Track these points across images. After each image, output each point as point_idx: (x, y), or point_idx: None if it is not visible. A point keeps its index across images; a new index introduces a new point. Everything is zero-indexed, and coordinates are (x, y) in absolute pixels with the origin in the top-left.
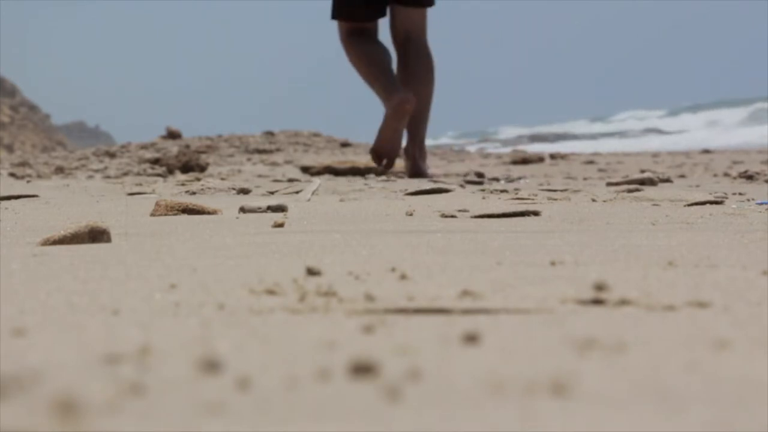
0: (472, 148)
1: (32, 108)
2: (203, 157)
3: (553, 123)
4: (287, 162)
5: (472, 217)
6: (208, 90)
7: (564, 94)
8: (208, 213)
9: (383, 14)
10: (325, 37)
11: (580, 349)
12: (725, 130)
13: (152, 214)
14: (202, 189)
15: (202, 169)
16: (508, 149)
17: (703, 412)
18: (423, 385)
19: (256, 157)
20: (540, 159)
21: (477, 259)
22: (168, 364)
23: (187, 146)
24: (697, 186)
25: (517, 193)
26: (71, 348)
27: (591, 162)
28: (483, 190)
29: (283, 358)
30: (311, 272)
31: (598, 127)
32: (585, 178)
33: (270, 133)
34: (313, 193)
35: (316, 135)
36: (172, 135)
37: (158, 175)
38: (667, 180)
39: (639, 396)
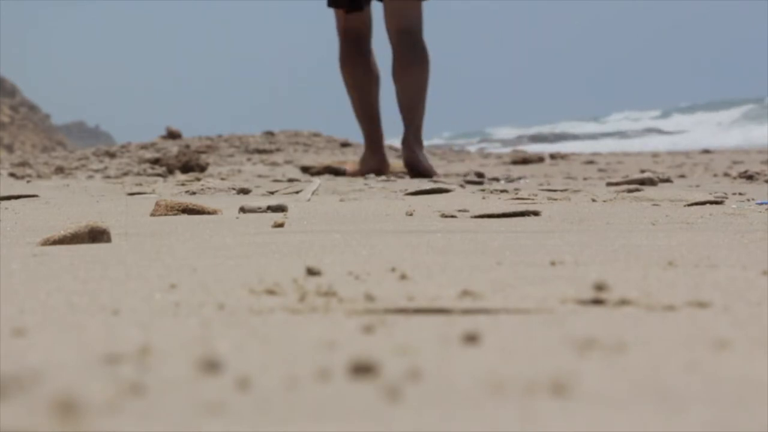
0: (472, 149)
1: (32, 108)
2: (203, 157)
3: (546, 124)
4: (287, 162)
5: (472, 217)
6: (208, 90)
7: (556, 95)
8: (208, 213)
9: (363, 5)
10: (325, 37)
11: (580, 349)
12: (721, 130)
13: (152, 214)
14: (202, 189)
15: (202, 169)
16: (508, 149)
17: (703, 412)
18: (423, 385)
19: (256, 157)
20: (540, 159)
21: (477, 259)
22: (168, 364)
23: (187, 146)
24: (697, 186)
25: (517, 193)
26: (71, 348)
27: (591, 162)
28: (483, 190)
29: (283, 358)
30: (311, 272)
31: (592, 128)
32: (585, 178)
33: (270, 133)
34: (313, 193)
35: (316, 135)
36: (172, 135)
37: (158, 175)
38: (667, 180)
39: (639, 396)
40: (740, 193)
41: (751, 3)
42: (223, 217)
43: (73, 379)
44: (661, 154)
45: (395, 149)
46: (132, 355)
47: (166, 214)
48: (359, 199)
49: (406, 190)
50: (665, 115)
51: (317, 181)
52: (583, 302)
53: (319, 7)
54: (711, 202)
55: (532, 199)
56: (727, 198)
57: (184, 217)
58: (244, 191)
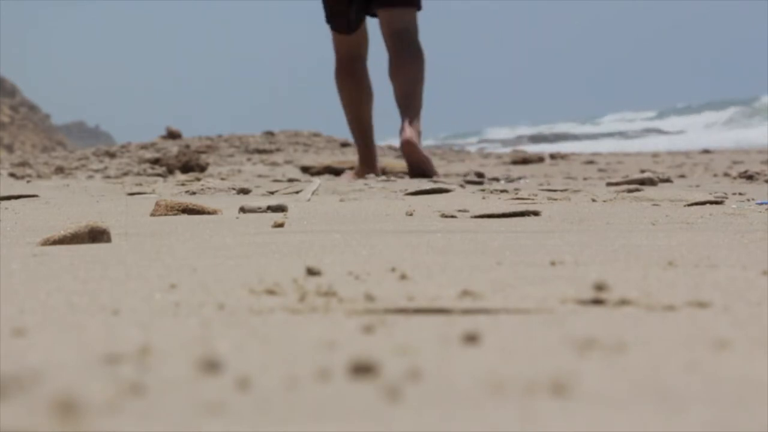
0: (471, 149)
1: (32, 108)
2: (203, 157)
3: (540, 125)
4: (287, 162)
5: (472, 217)
6: (208, 90)
7: (552, 96)
8: (208, 213)
9: (356, 27)
10: (325, 37)
11: (580, 349)
12: (718, 131)
13: (152, 214)
14: (202, 189)
15: (202, 169)
16: (508, 149)
17: (703, 412)
18: (423, 385)
19: (256, 157)
20: (540, 159)
21: (477, 259)
22: (168, 364)
23: (187, 146)
24: (697, 186)
25: (517, 193)
26: (71, 348)
27: (591, 162)
28: (483, 190)
29: (283, 358)
30: (311, 272)
31: (587, 129)
32: (585, 178)
33: (270, 133)
34: (313, 193)
35: (316, 135)
36: (172, 135)
37: (158, 175)
38: (667, 180)
39: (639, 396)
40: (740, 193)
41: (745, 4)
42: (223, 217)
43: (73, 379)
44: (661, 154)
45: (395, 149)
46: (132, 355)
47: (166, 214)
48: (359, 199)
49: (406, 190)
50: (661, 116)
51: (317, 181)
52: (583, 302)
53: (320, 7)
54: (711, 202)
55: (532, 199)
56: (727, 198)
57: (184, 217)
58: (244, 191)
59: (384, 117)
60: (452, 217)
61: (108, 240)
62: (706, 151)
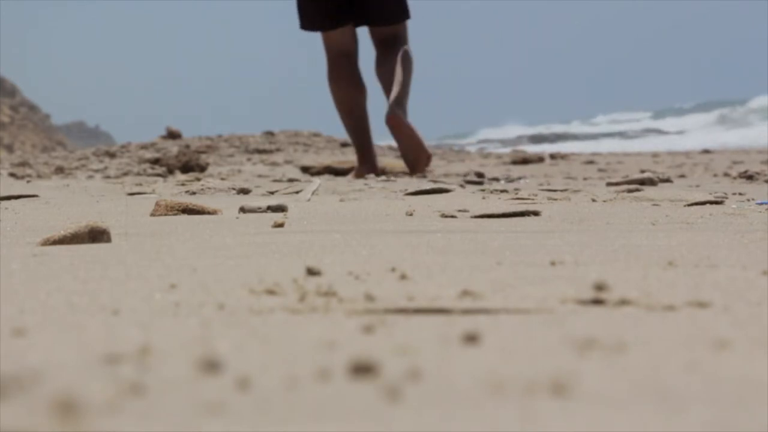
0: (471, 149)
1: (32, 108)
2: (203, 157)
3: (536, 125)
4: (287, 162)
5: (472, 217)
6: (208, 90)
7: (549, 97)
8: (208, 213)
9: (340, 22)
10: None
11: (580, 349)
12: (717, 131)
13: (152, 214)
14: (202, 189)
15: (202, 169)
16: (508, 149)
17: (703, 412)
18: (423, 385)
19: (256, 157)
20: (540, 159)
21: (477, 259)
22: (168, 364)
23: (187, 146)
24: (697, 186)
25: (517, 193)
26: (71, 348)
27: (591, 162)
28: (483, 190)
29: (283, 358)
30: (311, 272)
31: (588, 129)
32: (585, 178)
33: (270, 133)
34: (313, 193)
35: (316, 135)
36: (172, 135)
37: (158, 175)
38: (667, 180)
39: (639, 396)
40: (740, 193)
41: (740, 5)
42: (223, 217)
43: (73, 379)
44: (661, 154)
45: (394, 149)
46: (132, 355)
47: (166, 214)
48: (359, 199)
49: (406, 190)
50: (657, 116)
51: (317, 181)
52: (583, 302)
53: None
54: (711, 202)
55: (532, 199)
56: (727, 198)
57: (184, 217)
58: (244, 191)
59: (382, 117)
60: (452, 217)
61: (108, 240)
62: (706, 151)
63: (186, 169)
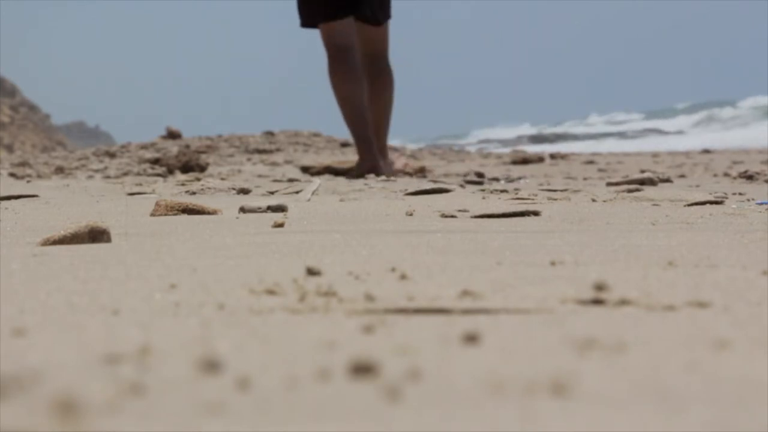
0: (471, 149)
1: (32, 108)
2: (203, 157)
3: (536, 126)
4: (287, 162)
5: (472, 217)
6: (208, 90)
7: (547, 97)
8: (208, 213)
9: (340, 13)
10: None
11: (580, 349)
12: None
13: (152, 214)
14: (202, 189)
15: (202, 169)
16: (508, 149)
17: (703, 412)
18: (423, 385)
19: (256, 157)
20: (540, 159)
21: (477, 259)
22: (168, 364)
23: (187, 146)
24: (697, 186)
25: (517, 193)
26: (71, 348)
27: (591, 162)
28: (483, 190)
29: (283, 358)
30: (311, 272)
31: (588, 129)
32: (585, 178)
33: (270, 133)
34: (313, 193)
35: (316, 135)
36: (172, 135)
37: (158, 175)
38: (667, 180)
39: (639, 396)
40: (740, 193)
41: (732, 5)
42: (223, 217)
43: (73, 379)
44: (661, 154)
45: (394, 149)
46: (132, 355)
47: (166, 214)
48: (359, 199)
49: (406, 190)
50: (650, 116)
51: (317, 181)
52: (583, 302)
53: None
54: (711, 202)
55: (532, 199)
56: (727, 198)
57: (184, 217)
58: (244, 191)
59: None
60: (452, 217)
61: (108, 240)
62: (706, 151)
63: (186, 169)
